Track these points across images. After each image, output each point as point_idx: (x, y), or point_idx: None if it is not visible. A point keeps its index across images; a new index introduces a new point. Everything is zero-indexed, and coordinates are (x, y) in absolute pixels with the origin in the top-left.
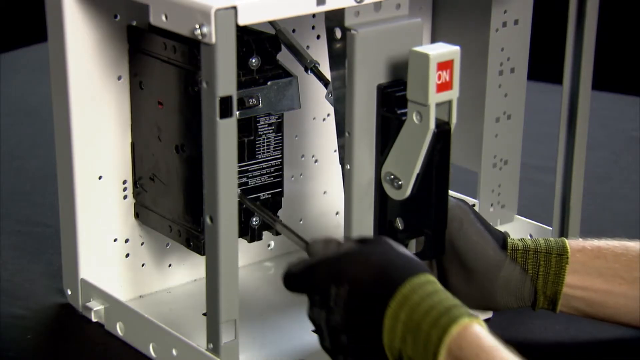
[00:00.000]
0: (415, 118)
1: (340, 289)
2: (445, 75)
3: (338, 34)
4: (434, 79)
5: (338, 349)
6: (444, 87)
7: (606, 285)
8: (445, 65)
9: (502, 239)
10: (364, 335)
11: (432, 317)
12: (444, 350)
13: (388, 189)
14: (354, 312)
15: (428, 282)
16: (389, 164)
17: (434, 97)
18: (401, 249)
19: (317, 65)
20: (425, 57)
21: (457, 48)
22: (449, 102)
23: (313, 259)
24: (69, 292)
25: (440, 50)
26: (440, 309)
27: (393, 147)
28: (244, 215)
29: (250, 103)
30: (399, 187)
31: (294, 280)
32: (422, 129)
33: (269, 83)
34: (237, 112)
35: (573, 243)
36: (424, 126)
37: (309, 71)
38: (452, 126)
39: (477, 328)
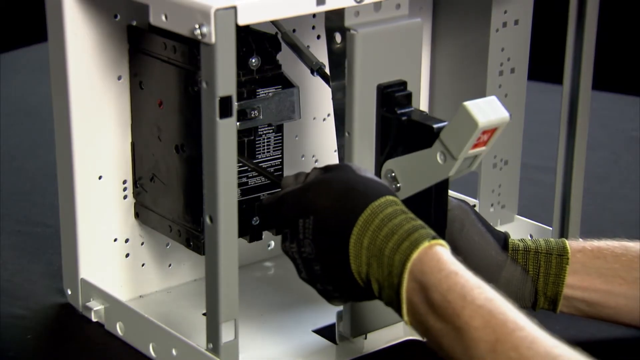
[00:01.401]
0: (439, 157)
1: (306, 220)
2: (484, 137)
3: (338, 38)
4: (473, 141)
5: (314, 278)
6: (479, 145)
7: (606, 285)
8: (490, 131)
9: (503, 240)
10: (333, 263)
11: (393, 242)
12: (407, 276)
13: None
14: (322, 242)
15: (388, 203)
16: (394, 164)
17: (466, 153)
18: (363, 172)
19: (322, 67)
20: (473, 123)
21: (507, 116)
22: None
23: (281, 191)
24: (69, 292)
25: (491, 118)
26: (402, 233)
27: (406, 156)
28: (244, 215)
29: (252, 115)
30: (399, 188)
31: (265, 213)
32: (443, 170)
33: (270, 94)
34: (238, 124)
35: (573, 244)
36: (445, 168)
37: (315, 73)
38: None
39: (438, 251)
